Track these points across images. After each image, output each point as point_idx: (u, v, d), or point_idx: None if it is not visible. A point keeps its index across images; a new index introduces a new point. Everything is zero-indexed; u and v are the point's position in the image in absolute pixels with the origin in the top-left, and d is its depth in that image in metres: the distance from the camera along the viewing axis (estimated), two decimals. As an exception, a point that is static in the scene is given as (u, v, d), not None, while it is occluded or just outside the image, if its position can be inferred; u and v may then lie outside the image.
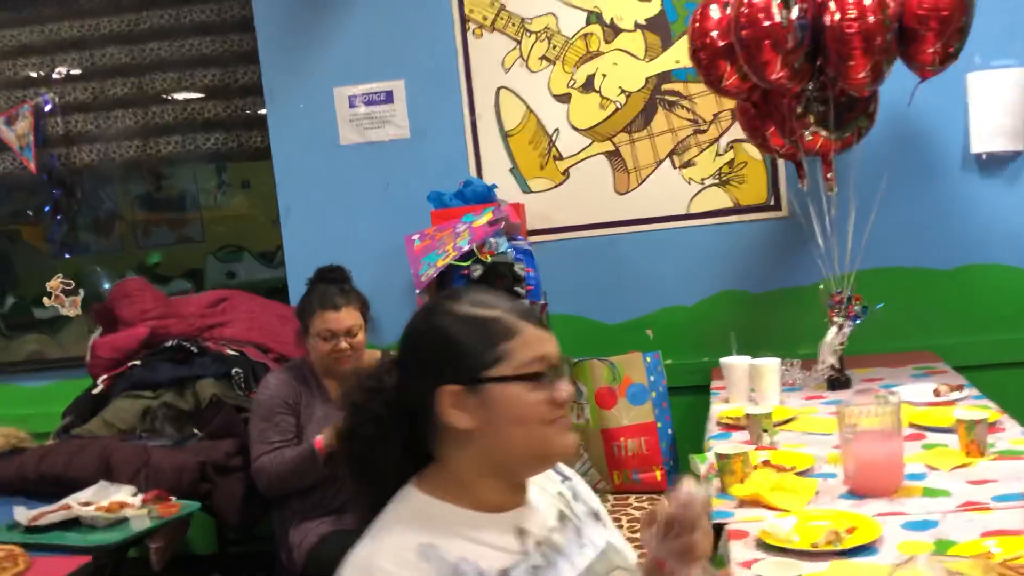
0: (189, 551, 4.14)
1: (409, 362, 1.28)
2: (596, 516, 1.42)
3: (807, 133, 2.97)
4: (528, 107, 3.73)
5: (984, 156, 3.44)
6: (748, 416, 2.56)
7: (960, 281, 3.50)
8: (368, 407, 1.28)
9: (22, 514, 2.51)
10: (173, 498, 2.59)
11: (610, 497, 3.18)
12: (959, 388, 2.82)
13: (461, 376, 1.22)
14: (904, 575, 1.24)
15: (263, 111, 3.97)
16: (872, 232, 3.16)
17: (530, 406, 1.23)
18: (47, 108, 4.23)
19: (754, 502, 2.06)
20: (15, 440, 3.05)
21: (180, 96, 4.20)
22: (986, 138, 3.42)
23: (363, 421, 1.27)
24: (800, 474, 2.22)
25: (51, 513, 2.50)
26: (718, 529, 1.99)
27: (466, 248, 3.18)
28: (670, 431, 3.31)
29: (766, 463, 2.31)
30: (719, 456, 2.22)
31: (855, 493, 2.06)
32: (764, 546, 1.81)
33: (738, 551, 1.80)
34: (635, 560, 1.38)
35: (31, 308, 4.44)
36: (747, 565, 1.70)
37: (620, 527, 2.86)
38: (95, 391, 3.32)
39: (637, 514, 3.01)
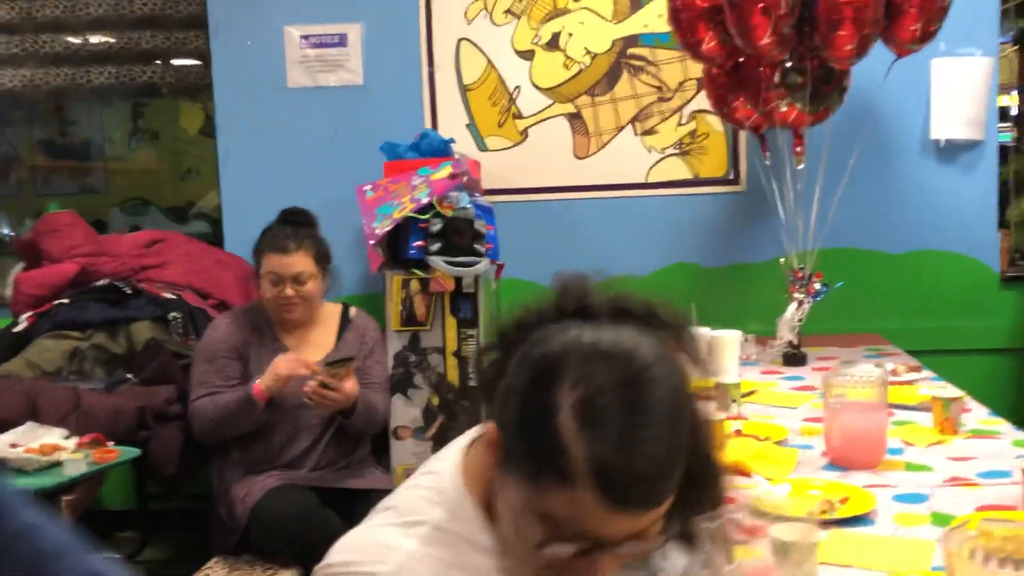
0: (101, 506, 3.93)
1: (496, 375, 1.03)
2: (686, 539, 1.27)
3: (781, 104, 2.93)
4: (489, 61, 3.61)
5: (943, 143, 3.47)
6: (718, 385, 2.52)
7: (910, 266, 3.53)
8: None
9: None
10: (111, 443, 2.40)
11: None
12: (917, 369, 2.83)
13: (502, 444, 0.99)
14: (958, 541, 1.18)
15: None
16: (829, 212, 3.14)
17: (526, 550, 0.96)
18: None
19: (736, 470, 2.00)
20: (-73, 377, 2.81)
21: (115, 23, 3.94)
22: (946, 125, 3.44)
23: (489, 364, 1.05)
24: (777, 444, 2.18)
25: (-27, 455, 2.29)
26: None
27: (425, 201, 3.05)
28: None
29: (739, 432, 2.27)
30: (699, 422, 2.16)
31: (837, 465, 2.03)
32: (759, 513, 1.75)
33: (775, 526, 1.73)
34: None
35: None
36: (754, 531, 1.63)
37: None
38: (17, 329, 3.08)
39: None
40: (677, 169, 3.59)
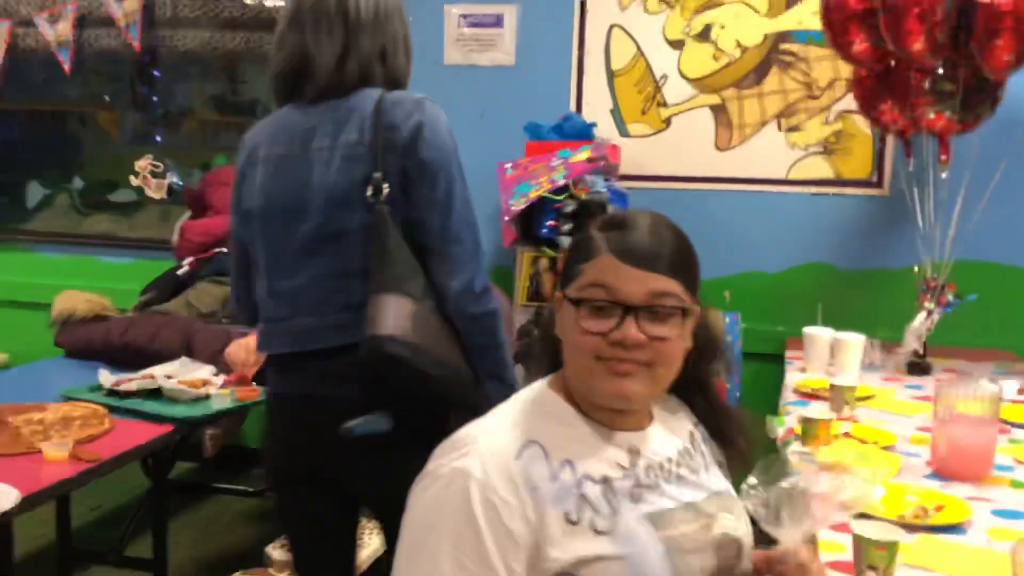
0: (241, 443, 4.23)
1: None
2: (720, 465, 1.39)
3: (930, 111, 2.89)
4: (639, 49, 3.67)
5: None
6: (832, 387, 2.54)
7: (1050, 284, 3.42)
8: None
9: (106, 378, 2.56)
10: (254, 383, 2.62)
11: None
12: (1046, 389, 2.77)
13: (562, 286, 1.25)
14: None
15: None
16: (969, 223, 3.09)
17: (580, 333, 1.19)
18: (156, -11, 4.25)
19: (838, 470, 2.04)
20: (99, 308, 3.12)
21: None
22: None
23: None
24: (883, 449, 2.20)
25: (135, 380, 2.54)
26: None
27: (561, 182, 3.15)
28: (737, 394, 3.29)
29: (847, 434, 2.29)
30: (805, 420, 2.21)
31: (941, 475, 2.03)
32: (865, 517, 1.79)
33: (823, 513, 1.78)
34: (749, 535, 1.33)
35: (101, 191, 4.49)
36: (839, 527, 1.68)
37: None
38: (180, 272, 3.36)
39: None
40: (819, 168, 3.57)
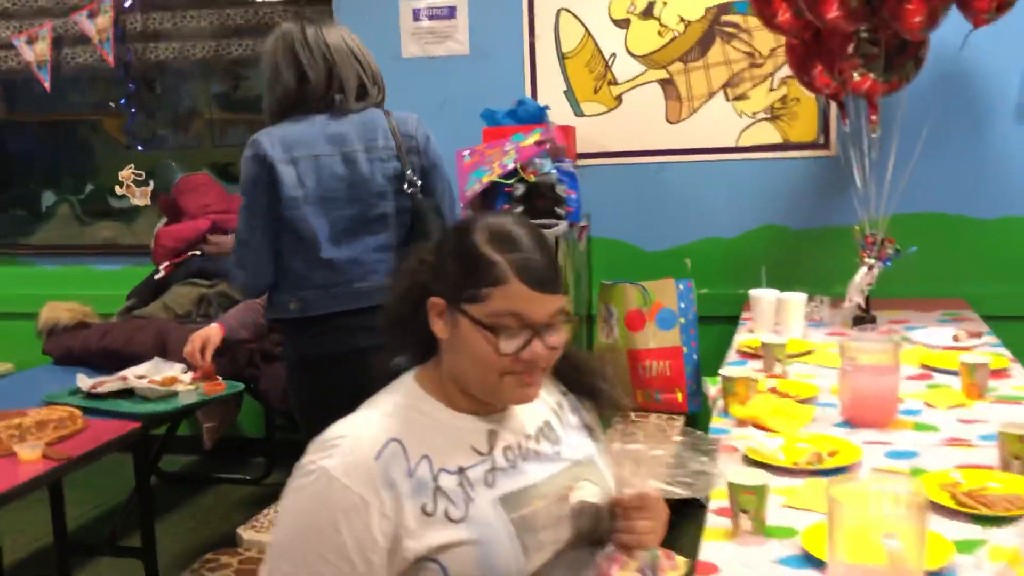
0: (239, 434, 4.42)
1: (432, 261, 1.38)
2: (589, 430, 1.51)
3: (855, 74, 2.99)
4: (587, 30, 3.79)
5: (1038, 109, 3.42)
6: (763, 345, 2.67)
7: (1000, 231, 3.52)
8: (403, 286, 1.40)
9: (83, 381, 2.75)
10: (220, 378, 2.79)
11: (632, 415, 3.32)
12: (978, 335, 2.88)
13: (448, 295, 1.32)
14: (841, 487, 1.35)
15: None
16: (914, 177, 3.20)
17: (487, 354, 1.28)
18: (127, 4, 4.41)
19: (753, 423, 2.18)
20: (80, 315, 3.31)
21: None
22: (1043, 90, 3.39)
23: (396, 298, 1.40)
24: (802, 402, 2.32)
25: (109, 382, 2.72)
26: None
27: (511, 167, 3.28)
28: (695, 357, 3.42)
29: (773, 390, 2.43)
30: (724, 378, 2.34)
31: (850, 423, 2.17)
32: (751, 462, 1.93)
33: (724, 464, 1.92)
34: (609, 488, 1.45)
35: (107, 197, 4.68)
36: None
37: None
38: (156, 276, 3.54)
39: (656, 432, 3.15)
40: (767, 134, 3.68)
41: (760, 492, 1.61)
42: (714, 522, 1.68)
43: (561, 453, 1.42)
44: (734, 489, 1.62)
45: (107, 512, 3.76)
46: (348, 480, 1.24)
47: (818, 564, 1.44)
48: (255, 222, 2.33)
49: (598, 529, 1.40)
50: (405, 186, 2.38)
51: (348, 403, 1.64)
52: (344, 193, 2.34)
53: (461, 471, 1.30)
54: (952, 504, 1.67)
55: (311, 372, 2.37)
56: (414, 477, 1.27)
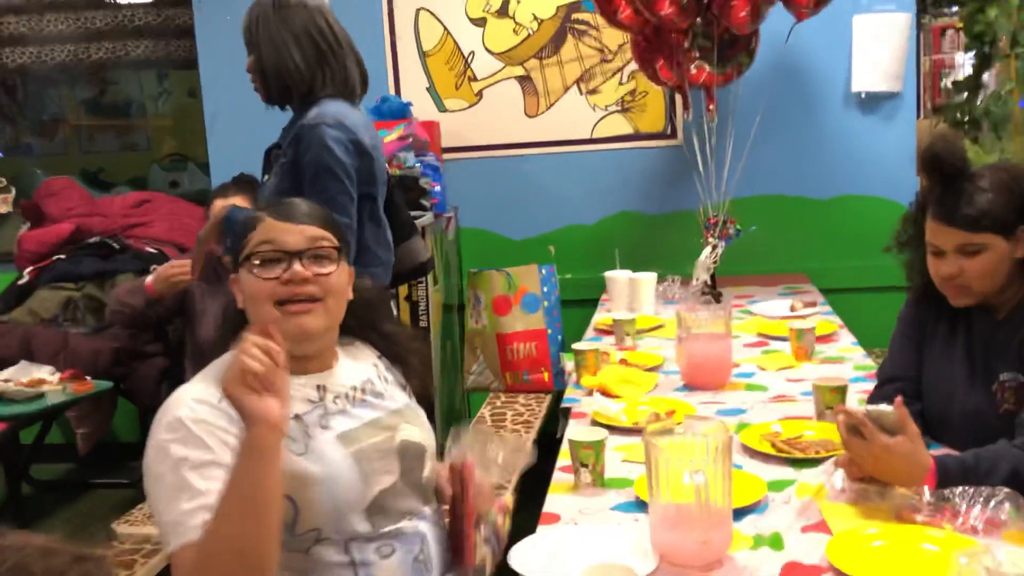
0: (114, 439, 4.39)
1: None
2: (403, 387, 1.66)
3: (692, 67, 3.21)
4: (446, 29, 3.92)
5: (864, 95, 3.71)
6: (614, 322, 2.85)
7: (836, 210, 3.80)
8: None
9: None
10: (88, 378, 2.82)
11: (501, 395, 3.47)
12: (812, 305, 3.13)
13: (234, 267, 1.51)
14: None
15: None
16: (753, 162, 3.44)
17: (258, 284, 1.44)
18: (-20, 8, 4.33)
19: (601, 391, 2.34)
20: (-57, 324, 3.26)
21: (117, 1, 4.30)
22: (867, 78, 3.68)
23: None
24: (648, 370, 2.51)
25: (-26, 388, 2.72)
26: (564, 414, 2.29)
27: (375, 161, 3.38)
28: (560, 337, 3.59)
29: (623, 361, 2.61)
30: (576, 352, 2.51)
31: (689, 386, 2.36)
32: (597, 424, 2.10)
33: (571, 428, 2.08)
34: (431, 440, 1.60)
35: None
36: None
37: (505, 423, 3.17)
38: (20, 282, 3.52)
39: (524, 411, 3.30)
40: (619, 125, 3.88)
41: (597, 447, 1.77)
42: (558, 478, 1.83)
43: (384, 403, 1.56)
44: (574, 446, 1.78)
45: (-20, 522, 3.71)
46: (196, 410, 1.35)
47: (645, 507, 1.61)
48: (352, 201, 2.33)
49: (420, 467, 1.53)
50: None
51: None
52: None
53: (298, 417, 1.43)
54: (771, 451, 1.87)
55: None
56: None
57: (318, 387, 1.49)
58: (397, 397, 1.60)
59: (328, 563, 1.41)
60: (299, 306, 1.44)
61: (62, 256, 3.50)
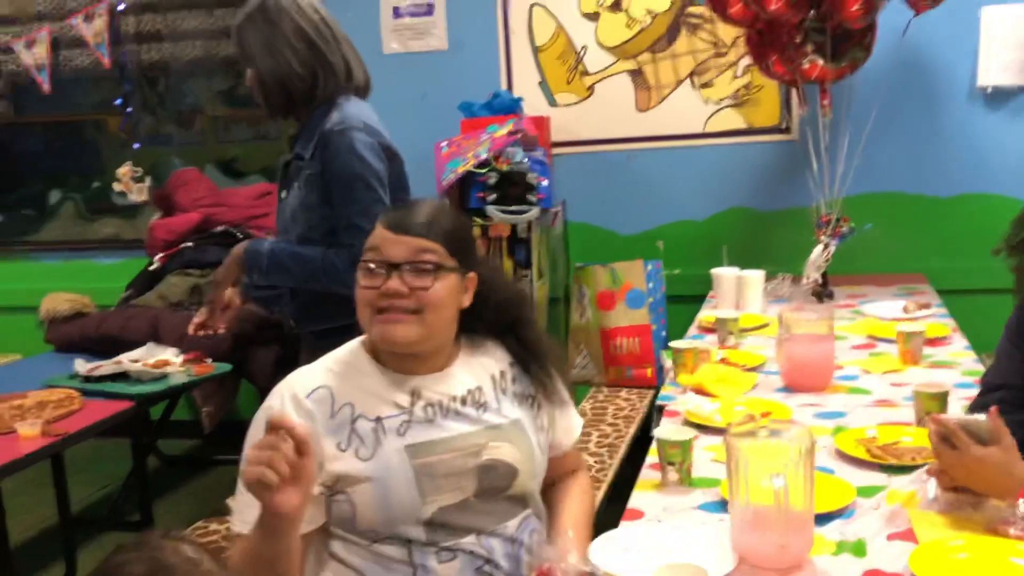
0: (237, 417, 4.59)
1: None
2: (527, 399, 1.64)
3: (805, 61, 3.15)
4: (559, 24, 3.95)
5: (990, 90, 3.57)
6: (717, 320, 2.83)
7: (958, 209, 3.67)
8: None
9: (81, 366, 2.93)
10: (209, 360, 2.97)
11: (604, 389, 3.49)
12: (927, 306, 3.04)
13: None
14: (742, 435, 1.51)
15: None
16: (869, 158, 3.37)
17: (362, 290, 1.50)
18: (120, 7, 4.57)
19: (697, 390, 2.34)
20: (79, 305, 3.50)
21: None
22: (994, 72, 3.54)
23: None
24: (749, 370, 2.49)
25: (105, 366, 2.90)
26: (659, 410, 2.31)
27: (484, 156, 3.45)
28: (664, 333, 3.58)
29: (723, 360, 2.59)
30: (674, 350, 2.51)
31: (790, 388, 2.33)
32: (690, 423, 2.10)
33: (661, 427, 2.09)
34: (539, 459, 1.61)
35: (110, 194, 4.84)
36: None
37: (606, 418, 3.19)
38: (151, 268, 3.73)
39: (625, 406, 3.31)
40: (732, 120, 3.84)
41: (684, 447, 1.78)
42: (646, 475, 1.85)
43: (484, 416, 1.57)
44: (661, 444, 1.79)
45: (109, 494, 3.94)
46: (284, 408, 1.47)
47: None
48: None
49: (508, 488, 1.55)
50: None
51: None
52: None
53: (378, 420, 1.50)
54: (865, 456, 1.84)
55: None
56: (335, 419, 1.49)
57: (412, 392, 1.54)
58: (507, 411, 1.60)
59: (389, 559, 1.48)
60: (393, 316, 1.49)
61: (190, 244, 3.69)
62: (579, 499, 1.74)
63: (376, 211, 2.10)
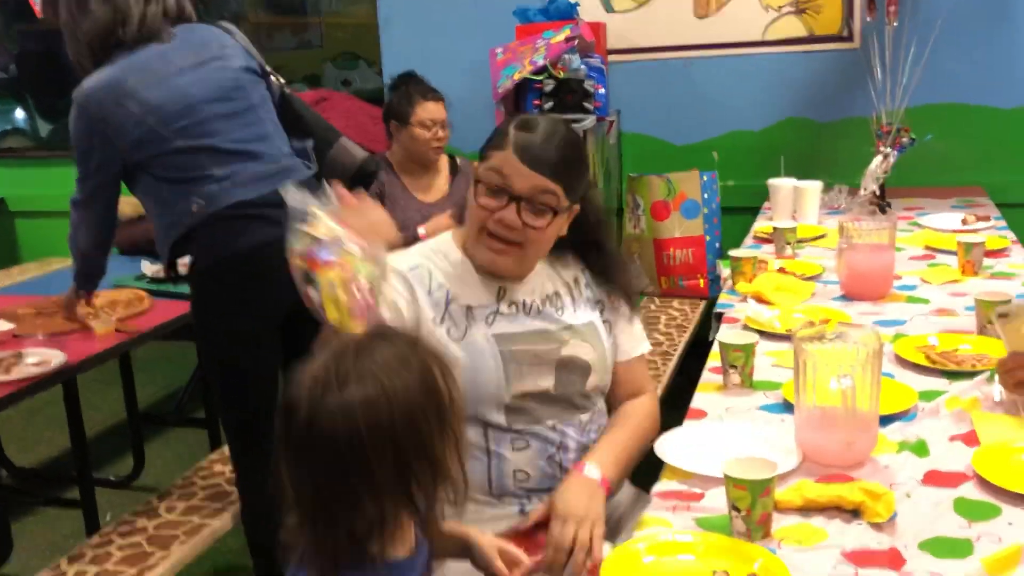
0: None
1: None
2: (598, 304, 1.69)
3: (874, -34, 3.07)
4: (617, -73, 3.87)
5: (1062, -3, 3.46)
6: (775, 230, 2.83)
7: (1019, 120, 3.59)
8: None
9: (148, 267, 3.00)
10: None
11: (656, 299, 3.51)
12: (986, 219, 3.01)
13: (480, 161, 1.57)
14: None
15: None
16: (933, 68, 3.28)
17: (474, 207, 1.53)
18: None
19: (756, 297, 2.36)
20: (142, 209, 3.54)
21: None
22: (1067, -21, 3.43)
23: None
24: (807, 280, 2.50)
25: (171, 268, 2.97)
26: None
27: (541, 63, 3.43)
28: (718, 245, 3.58)
29: (781, 270, 2.60)
30: (732, 258, 2.53)
31: (848, 296, 2.34)
32: (749, 329, 2.12)
33: (723, 332, 2.11)
34: (611, 361, 1.68)
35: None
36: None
37: (659, 326, 3.22)
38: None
39: (678, 315, 3.34)
40: (793, 27, 3.77)
41: (747, 350, 1.81)
42: (707, 378, 1.89)
43: (562, 317, 1.63)
44: (724, 348, 1.82)
45: (174, 392, 4.06)
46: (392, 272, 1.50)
47: (791, 409, 1.64)
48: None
49: (582, 385, 1.61)
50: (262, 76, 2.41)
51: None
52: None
53: (469, 308, 1.57)
54: (925, 362, 1.86)
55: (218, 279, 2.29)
56: (432, 296, 1.56)
57: (500, 289, 1.60)
58: (582, 314, 1.65)
59: (468, 441, 1.53)
60: (498, 245, 1.53)
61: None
62: (629, 425, 1.69)
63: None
